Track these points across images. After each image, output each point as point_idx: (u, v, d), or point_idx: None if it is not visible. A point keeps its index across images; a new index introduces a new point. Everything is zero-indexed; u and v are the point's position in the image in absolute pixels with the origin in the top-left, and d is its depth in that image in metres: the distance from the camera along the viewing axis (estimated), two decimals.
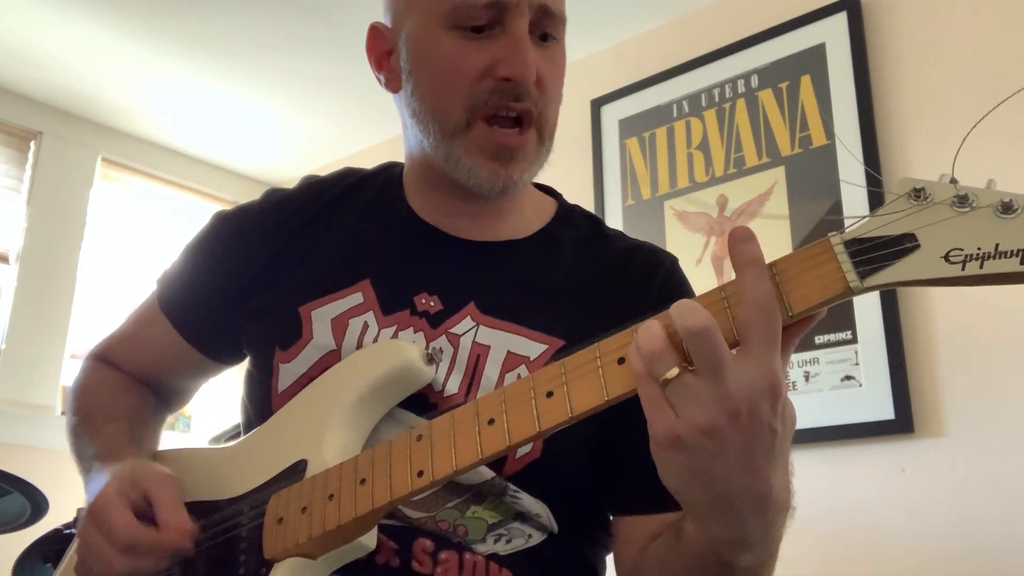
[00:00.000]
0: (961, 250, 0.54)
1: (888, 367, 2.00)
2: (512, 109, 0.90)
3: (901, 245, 0.57)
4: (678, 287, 0.98)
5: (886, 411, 1.98)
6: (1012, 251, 0.53)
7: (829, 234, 0.59)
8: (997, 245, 0.53)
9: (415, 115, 0.95)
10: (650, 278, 0.97)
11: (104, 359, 1.11)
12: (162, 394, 1.12)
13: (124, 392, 1.08)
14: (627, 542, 0.88)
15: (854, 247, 0.58)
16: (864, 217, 0.59)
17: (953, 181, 0.56)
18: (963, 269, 0.54)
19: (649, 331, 0.60)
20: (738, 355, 0.58)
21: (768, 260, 0.61)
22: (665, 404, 0.59)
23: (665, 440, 0.60)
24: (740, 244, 0.60)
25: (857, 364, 2.05)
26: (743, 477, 0.60)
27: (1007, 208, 0.54)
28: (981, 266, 0.53)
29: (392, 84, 0.99)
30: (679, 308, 0.59)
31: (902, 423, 1.96)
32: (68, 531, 1.48)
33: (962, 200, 0.55)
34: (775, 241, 2.24)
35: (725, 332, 0.59)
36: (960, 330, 1.95)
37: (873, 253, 0.57)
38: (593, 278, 0.97)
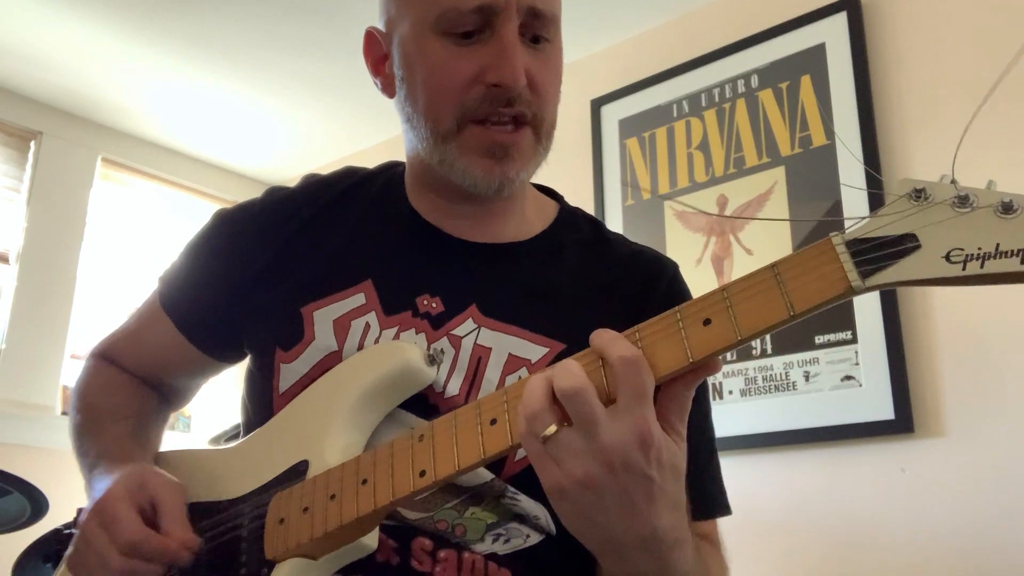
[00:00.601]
0: (962, 250, 0.55)
1: (888, 367, 2.00)
2: (504, 115, 0.90)
3: (902, 245, 0.57)
4: (679, 296, 0.99)
5: (886, 411, 1.98)
6: (1012, 251, 0.53)
7: (831, 234, 0.60)
8: (998, 245, 0.54)
9: (409, 120, 0.95)
10: (653, 285, 0.97)
11: (107, 357, 1.12)
12: (164, 392, 1.12)
13: (127, 392, 1.08)
14: None
15: (856, 247, 0.59)
16: (864, 218, 0.59)
17: (953, 182, 0.57)
18: (964, 269, 0.54)
19: (530, 391, 0.64)
20: (611, 411, 0.63)
21: (769, 261, 0.62)
22: (548, 459, 0.64)
23: (551, 491, 0.65)
24: (598, 337, 0.66)
25: (857, 364, 2.05)
26: (625, 521, 0.64)
27: (1007, 208, 0.54)
28: (982, 266, 0.54)
29: (388, 90, 0.99)
30: (558, 370, 0.64)
31: (902, 423, 1.96)
32: (68, 531, 1.47)
33: (962, 200, 0.56)
34: (775, 240, 2.25)
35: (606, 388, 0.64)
36: (960, 330, 1.95)
37: (874, 253, 0.58)
38: (595, 282, 0.97)
